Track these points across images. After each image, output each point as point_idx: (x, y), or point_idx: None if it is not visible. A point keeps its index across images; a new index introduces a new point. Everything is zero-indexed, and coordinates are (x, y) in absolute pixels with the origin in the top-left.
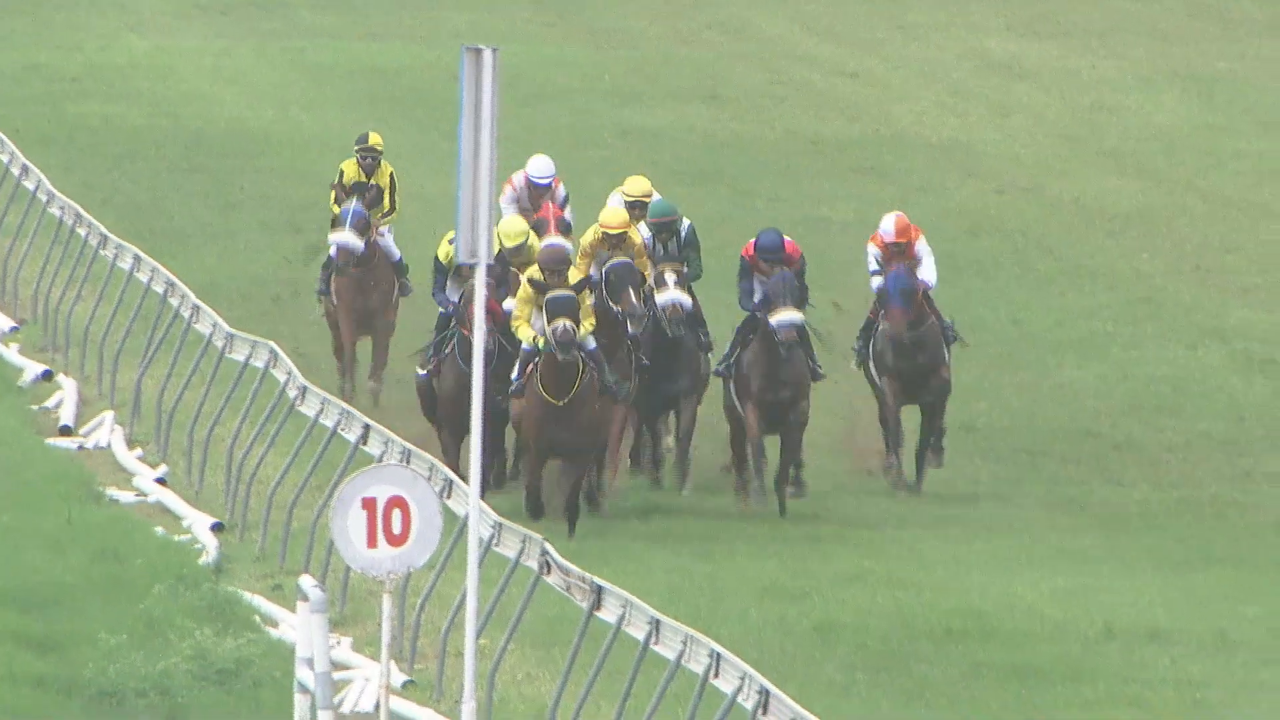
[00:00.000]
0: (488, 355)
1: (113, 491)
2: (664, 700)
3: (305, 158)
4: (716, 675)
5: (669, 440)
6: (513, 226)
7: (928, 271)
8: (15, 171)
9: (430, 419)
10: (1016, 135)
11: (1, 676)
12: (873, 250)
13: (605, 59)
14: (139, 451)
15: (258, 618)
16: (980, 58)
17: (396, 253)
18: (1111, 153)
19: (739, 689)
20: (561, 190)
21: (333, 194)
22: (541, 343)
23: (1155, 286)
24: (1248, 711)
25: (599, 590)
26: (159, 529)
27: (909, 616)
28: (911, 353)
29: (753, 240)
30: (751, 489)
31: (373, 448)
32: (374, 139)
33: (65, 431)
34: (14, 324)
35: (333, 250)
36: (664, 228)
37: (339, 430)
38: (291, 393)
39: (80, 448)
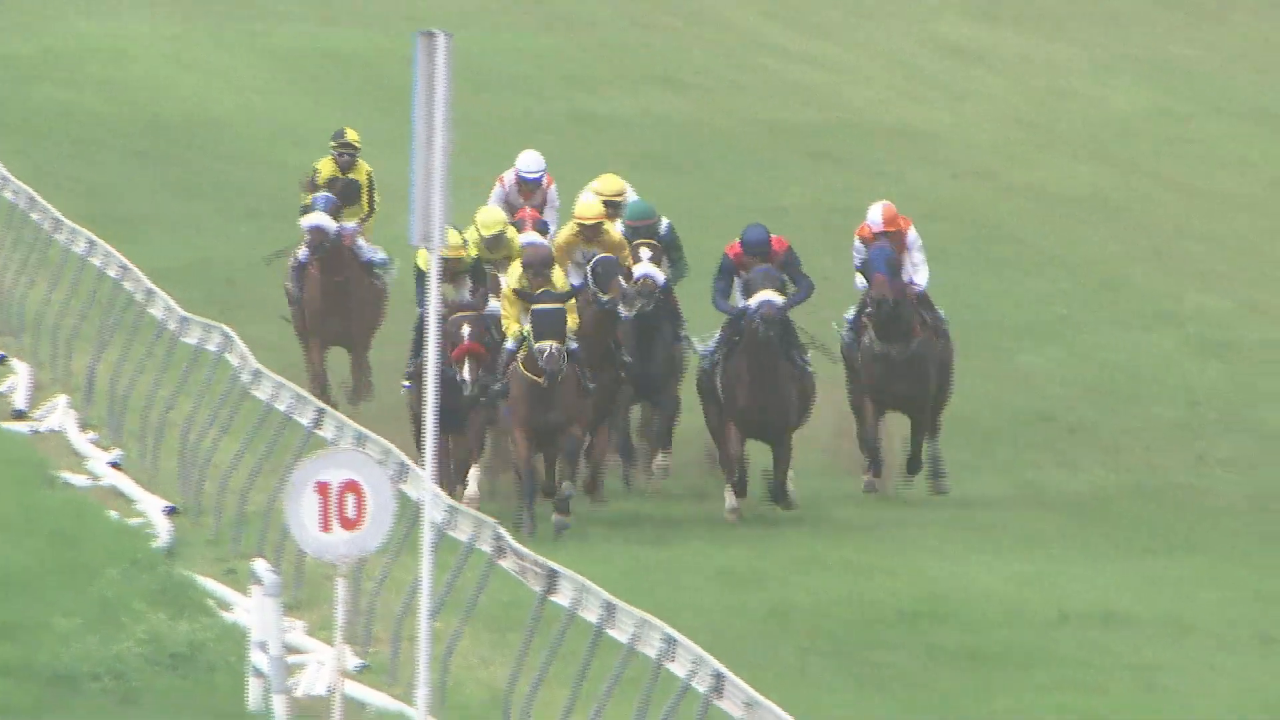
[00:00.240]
0: (471, 400)
1: (66, 475)
2: (618, 684)
3: (261, 142)
4: (671, 660)
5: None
6: (489, 216)
7: (919, 271)
8: None
9: (418, 442)
10: (973, 120)
11: None
12: (858, 244)
13: (561, 44)
14: (93, 435)
15: (212, 602)
16: (937, 43)
17: (376, 254)
18: (1068, 138)
19: (693, 673)
20: (553, 190)
21: (305, 193)
22: (526, 330)
23: (1111, 271)
24: (1203, 695)
25: (553, 574)
26: (113, 513)
27: (864, 601)
28: (900, 374)
29: (738, 238)
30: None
31: (326, 432)
32: (350, 135)
33: (19, 415)
34: None
35: (304, 250)
36: (643, 230)
37: (293, 414)
38: (245, 377)
39: (34, 432)
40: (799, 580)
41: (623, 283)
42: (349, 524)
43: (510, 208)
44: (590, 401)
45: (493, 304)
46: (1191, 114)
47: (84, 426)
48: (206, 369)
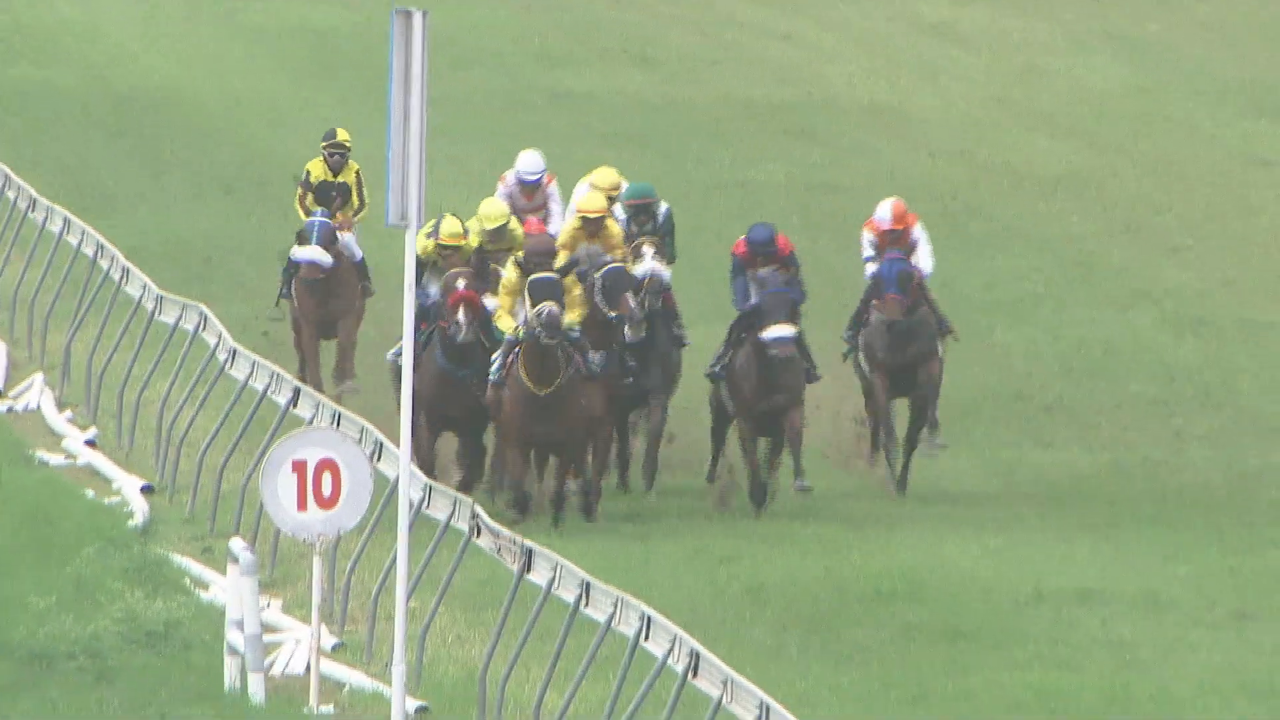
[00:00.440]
0: (468, 348)
1: (42, 454)
2: (595, 663)
3: (236, 120)
4: (647, 638)
5: (636, 442)
6: (493, 209)
7: (924, 259)
8: None
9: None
10: (948, 98)
11: None
12: (868, 237)
13: (536, 22)
14: (69, 414)
15: (188, 580)
16: (911, 20)
17: (359, 252)
18: (1042, 115)
19: (670, 651)
20: (553, 188)
21: (298, 193)
22: (523, 333)
23: (1086, 249)
24: (1178, 671)
25: (529, 553)
26: (89, 491)
27: (839, 579)
28: (903, 343)
29: (743, 236)
30: (749, 489)
31: (303, 410)
32: (341, 135)
33: None
34: None
35: (299, 260)
36: (641, 210)
37: (269, 393)
38: (221, 355)
39: (9, 410)
40: (774, 559)
41: (631, 301)
42: (325, 502)
43: (513, 209)
44: (596, 394)
45: (489, 301)
46: (1166, 91)
47: (60, 405)
48: (183, 347)
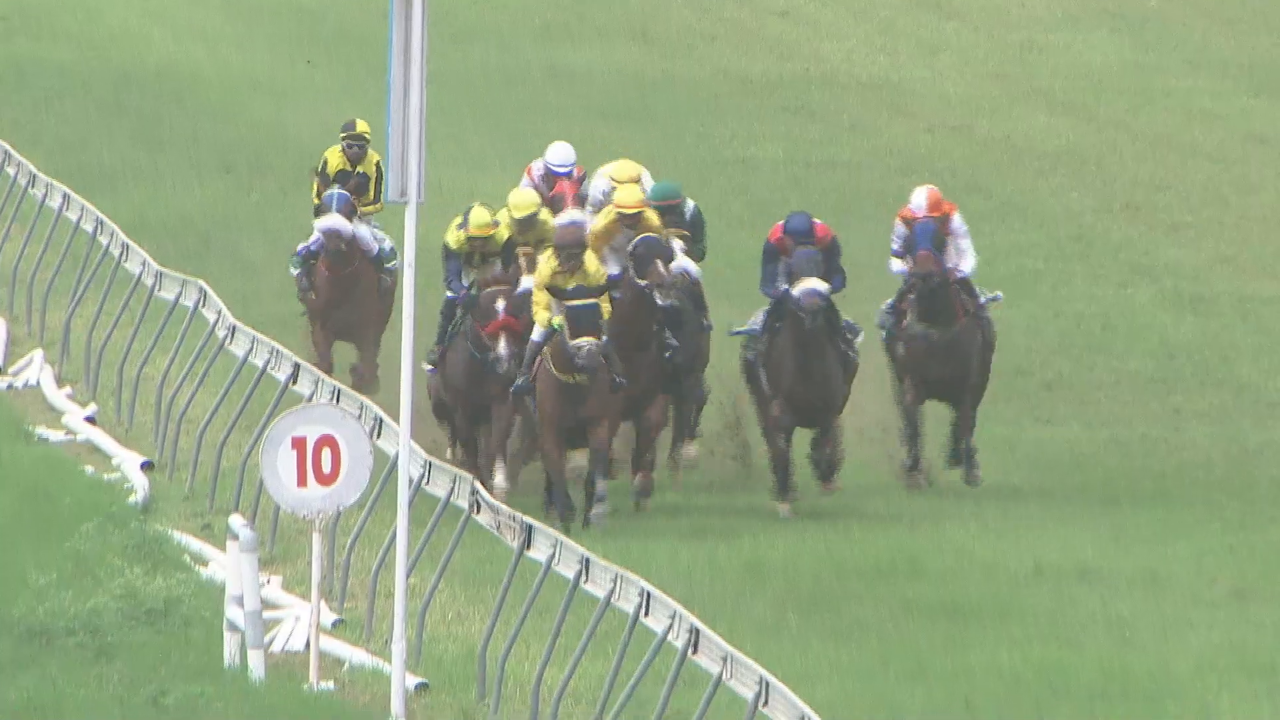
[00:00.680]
0: (507, 378)
1: (42, 430)
2: (594, 639)
3: (234, 96)
4: (647, 614)
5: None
6: (522, 198)
7: (965, 256)
8: None
9: (439, 418)
10: (946, 74)
11: None
12: (899, 228)
13: None
14: (68, 390)
15: (187, 557)
16: None
17: (374, 246)
18: (1041, 91)
19: (669, 628)
20: (583, 178)
21: (314, 183)
22: (557, 322)
23: (1085, 225)
24: (1177, 649)
25: (529, 529)
26: (88, 468)
27: (839, 555)
28: (940, 357)
29: (780, 223)
30: (784, 488)
31: (302, 387)
32: (361, 126)
33: None
34: None
35: (315, 236)
36: (668, 210)
37: (269, 369)
38: (221, 331)
39: (9, 387)
40: (774, 536)
41: (660, 267)
42: (325, 479)
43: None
44: (620, 397)
45: (525, 282)
46: (1165, 67)
47: (60, 381)
48: (182, 323)
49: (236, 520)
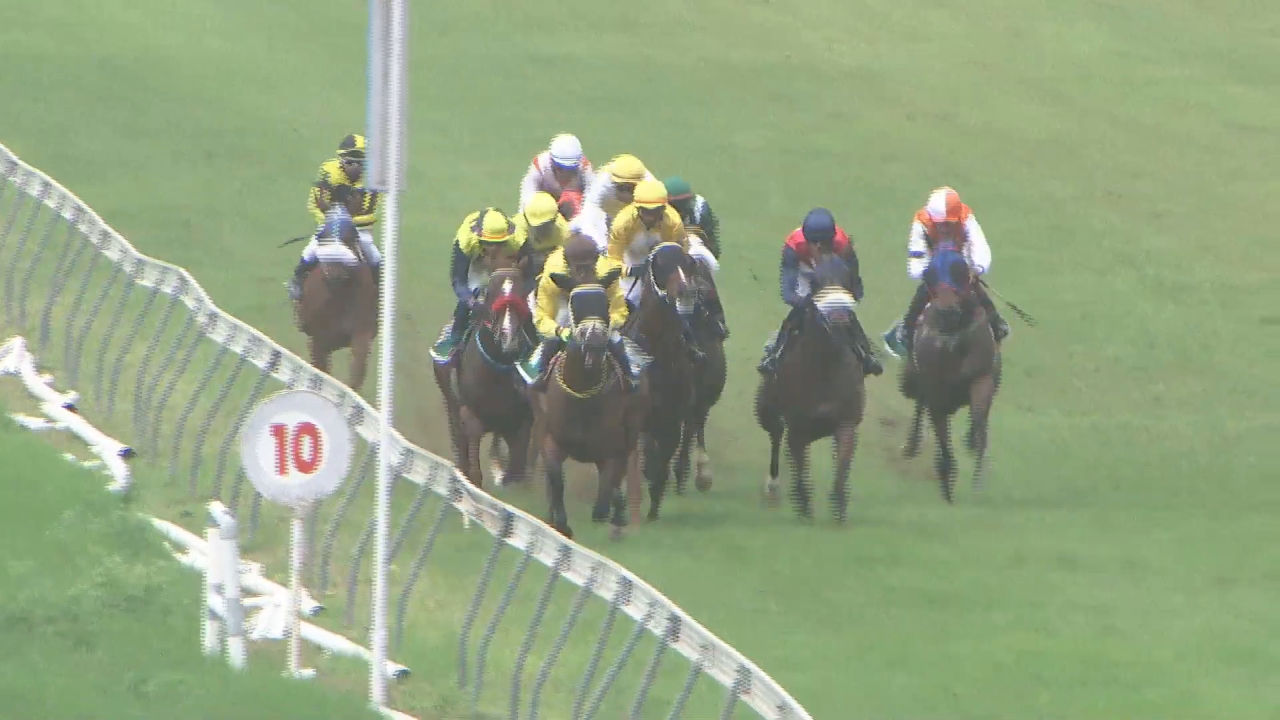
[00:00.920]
0: (510, 355)
1: (22, 418)
2: (574, 627)
3: (217, 84)
4: (627, 602)
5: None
6: (540, 205)
7: (979, 254)
8: None
9: (446, 394)
10: (929, 62)
11: None
12: (918, 229)
13: None
14: (48, 378)
15: (167, 544)
16: None
17: (377, 254)
18: (1024, 80)
19: (649, 615)
20: (590, 173)
21: (313, 192)
22: (565, 334)
23: (1067, 213)
24: (1158, 636)
25: (509, 517)
26: (68, 455)
27: (820, 543)
28: (955, 360)
29: (798, 229)
30: (787, 494)
31: (283, 374)
32: (360, 142)
33: None
34: None
35: (312, 255)
36: (676, 206)
37: (248, 357)
38: (201, 319)
39: None
40: (754, 523)
41: (682, 276)
42: (305, 466)
43: (549, 192)
44: (636, 406)
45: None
46: (1147, 56)
47: (39, 369)
48: (162, 311)
49: (217, 507)
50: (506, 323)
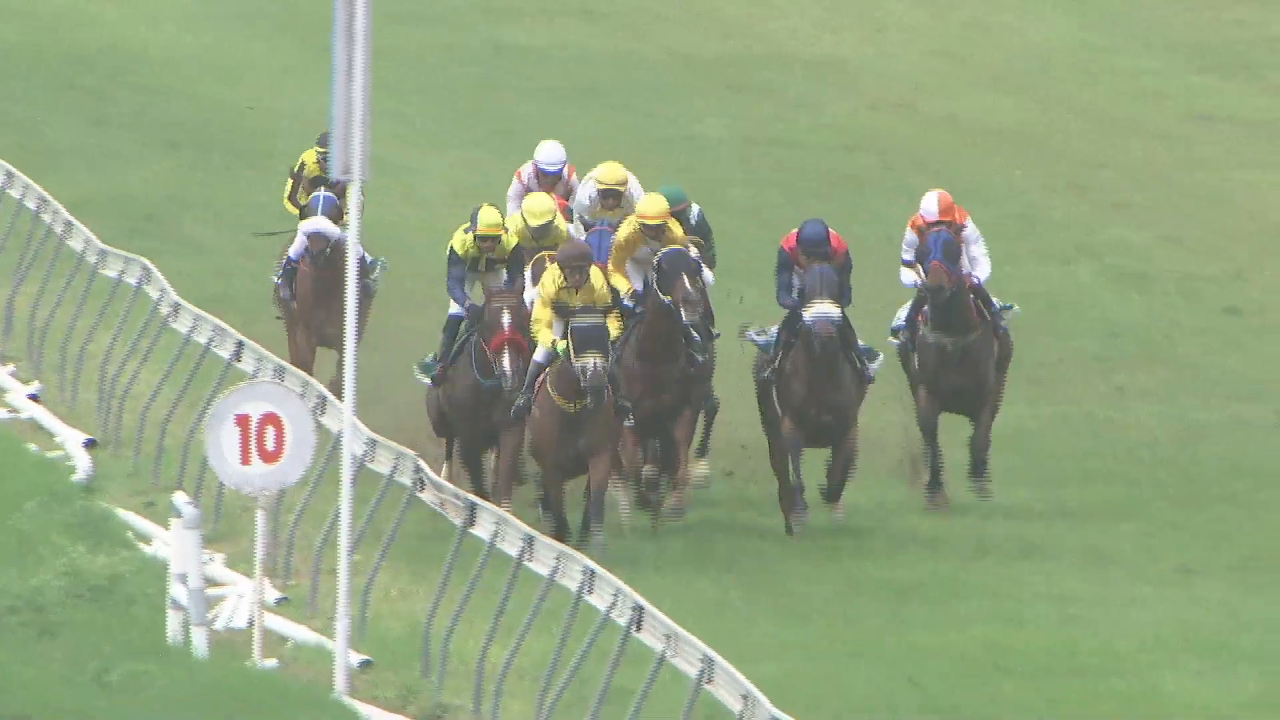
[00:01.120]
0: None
1: None
2: (538, 617)
3: (182, 74)
4: (590, 592)
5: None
6: (539, 204)
7: (979, 264)
8: None
9: (440, 435)
10: (891, 52)
11: None
12: (910, 237)
13: None
14: (11, 368)
15: (131, 534)
16: None
17: (359, 249)
18: (987, 69)
19: (613, 605)
20: (574, 179)
21: (289, 183)
22: (561, 347)
23: (1030, 203)
24: (1122, 626)
25: (472, 507)
26: (32, 446)
27: (782, 533)
28: (955, 366)
29: (794, 231)
30: (795, 505)
31: (246, 364)
32: None
33: None
34: None
35: (300, 243)
36: (675, 216)
37: (212, 347)
38: (165, 309)
39: None
40: (717, 514)
41: (686, 283)
42: (269, 456)
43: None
44: (619, 427)
45: (531, 292)
46: (1110, 46)
47: (2, 359)
48: (126, 302)
49: (180, 498)
50: (506, 363)
